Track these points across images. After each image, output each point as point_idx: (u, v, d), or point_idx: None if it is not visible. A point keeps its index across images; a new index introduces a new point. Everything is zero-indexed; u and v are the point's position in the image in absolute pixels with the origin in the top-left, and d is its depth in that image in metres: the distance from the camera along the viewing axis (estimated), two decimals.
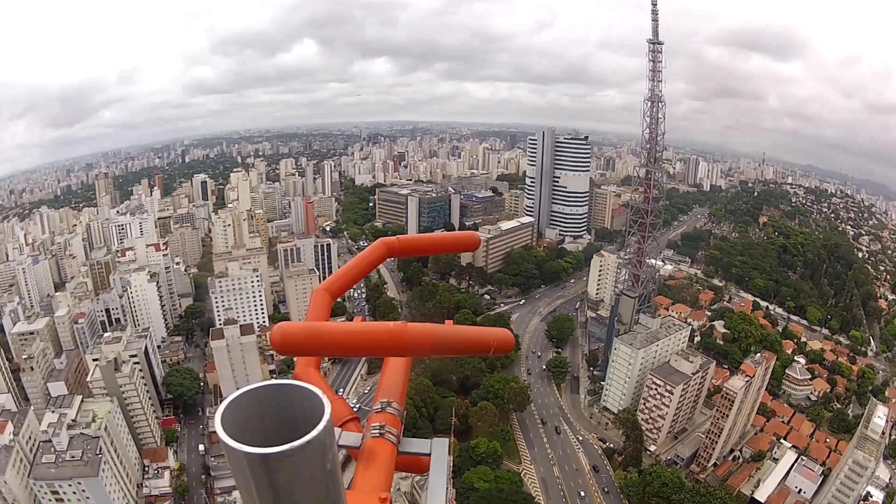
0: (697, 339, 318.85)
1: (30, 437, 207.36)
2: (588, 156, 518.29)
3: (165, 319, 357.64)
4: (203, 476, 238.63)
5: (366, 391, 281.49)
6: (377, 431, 7.54)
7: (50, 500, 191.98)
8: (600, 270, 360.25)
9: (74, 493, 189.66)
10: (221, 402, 5.72)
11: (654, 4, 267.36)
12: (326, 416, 5.45)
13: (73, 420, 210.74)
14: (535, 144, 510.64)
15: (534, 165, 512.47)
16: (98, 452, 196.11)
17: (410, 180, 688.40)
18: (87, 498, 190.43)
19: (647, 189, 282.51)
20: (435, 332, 7.17)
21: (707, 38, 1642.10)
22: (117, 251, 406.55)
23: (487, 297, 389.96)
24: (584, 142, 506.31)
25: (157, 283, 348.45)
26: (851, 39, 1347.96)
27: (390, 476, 7.14)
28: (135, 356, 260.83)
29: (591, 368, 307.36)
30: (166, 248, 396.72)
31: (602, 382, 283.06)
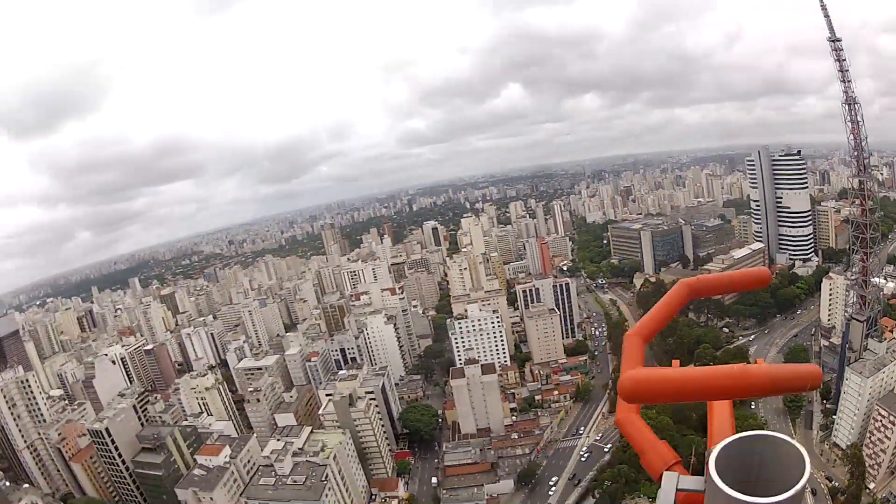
0: None
1: (248, 461, 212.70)
2: (804, 172, 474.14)
3: (404, 359, 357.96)
4: None
5: (602, 430, 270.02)
6: None
7: None
8: (830, 294, 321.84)
9: None
10: (715, 445, 6.47)
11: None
12: (808, 470, 5.94)
13: (299, 448, 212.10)
14: (753, 165, 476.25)
15: (756, 188, 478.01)
16: (323, 479, 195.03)
17: (640, 214, 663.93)
18: None
19: (863, 200, 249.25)
20: (771, 372, 7.14)
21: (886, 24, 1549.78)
22: (351, 295, 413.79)
23: (726, 329, 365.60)
24: (797, 157, 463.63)
25: (395, 324, 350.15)
26: None
27: None
28: (371, 392, 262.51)
29: (825, 401, 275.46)
30: (402, 292, 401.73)
31: (833, 416, 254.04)
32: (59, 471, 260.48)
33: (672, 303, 10.76)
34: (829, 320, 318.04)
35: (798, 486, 5.69)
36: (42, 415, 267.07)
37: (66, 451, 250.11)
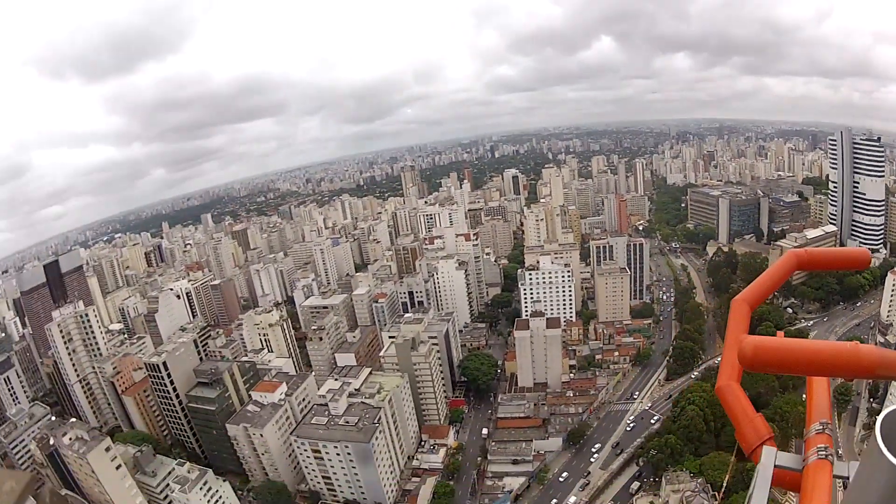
0: None
1: (304, 399, 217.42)
2: (882, 159, 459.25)
3: (471, 306, 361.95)
4: (479, 458, 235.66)
5: (655, 398, 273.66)
6: (824, 453, 7.96)
7: (309, 456, 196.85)
8: (893, 290, 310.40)
9: (338, 454, 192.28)
10: (885, 409, 6.47)
11: None
12: None
13: (356, 389, 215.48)
14: (835, 146, 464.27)
15: (835, 169, 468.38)
16: (375, 422, 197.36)
17: (720, 181, 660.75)
18: (351, 461, 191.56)
19: None
20: (882, 355, 7.17)
21: None
22: (425, 239, 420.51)
23: (790, 310, 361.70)
24: (877, 143, 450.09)
25: (466, 271, 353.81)
26: None
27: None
28: (434, 338, 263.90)
29: (872, 399, 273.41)
30: (476, 239, 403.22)
31: (877, 417, 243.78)
32: (109, 405, 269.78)
33: (779, 272, 10.85)
34: (888, 317, 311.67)
35: None
36: (99, 349, 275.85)
37: (120, 385, 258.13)
